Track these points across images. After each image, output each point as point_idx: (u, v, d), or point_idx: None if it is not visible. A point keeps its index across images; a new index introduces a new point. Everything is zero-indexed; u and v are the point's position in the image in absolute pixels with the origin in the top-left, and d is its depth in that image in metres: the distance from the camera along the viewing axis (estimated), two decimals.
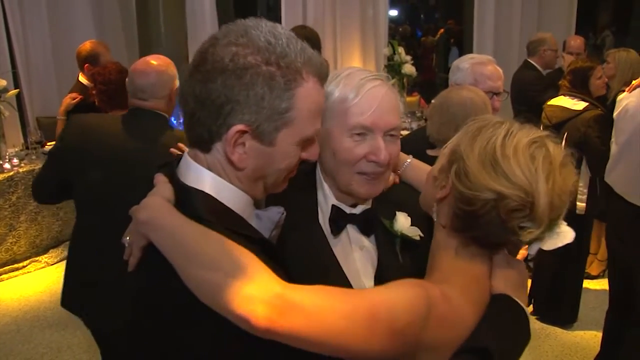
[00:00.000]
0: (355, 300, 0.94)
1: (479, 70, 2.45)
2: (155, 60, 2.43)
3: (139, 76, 2.38)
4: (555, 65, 4.99)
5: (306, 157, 1.08)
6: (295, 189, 1.32)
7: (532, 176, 0.98)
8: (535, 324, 3.91)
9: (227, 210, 1.02)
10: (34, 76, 5.42)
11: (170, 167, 1.09)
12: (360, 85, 1.25)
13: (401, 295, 0.98)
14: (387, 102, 1.26)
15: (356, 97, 1.24)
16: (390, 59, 6.07)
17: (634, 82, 3.09)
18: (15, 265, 4.64)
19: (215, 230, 0.95)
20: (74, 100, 3.78)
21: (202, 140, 1.01)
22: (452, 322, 1.02)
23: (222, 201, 1.02)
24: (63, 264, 2.58)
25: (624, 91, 3.28)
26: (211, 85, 0.95)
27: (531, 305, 3.98)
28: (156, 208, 0.98)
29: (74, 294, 2.41)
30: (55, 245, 4.91)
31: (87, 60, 3.98)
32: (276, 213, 1.15)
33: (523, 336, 1.09)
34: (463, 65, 2.51)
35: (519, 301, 1.08)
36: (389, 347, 0.94)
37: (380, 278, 1.30)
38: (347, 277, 1.30)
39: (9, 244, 4.56)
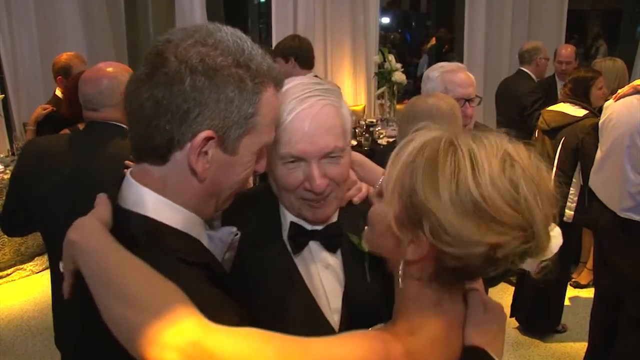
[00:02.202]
0: (294, 352, 0.80)
1: (448, 78, 2.43)
2: (108, 67, 2.18)
3: (85, 84, 2.14)
4: (546, 74, 5.02)
5: (255, 170, 1.02)
6: (259, 205, 1.28)
7: (524, 208, 0.84)
8: (524, 334, 3.90)
9: (170, 232, 0.94)
10: (21, 82, 5.37)
11: (114, 187, 1.01)
12: (290, 109, 1.14)
13: (351, 350, 0.84)
14: (320, 124, 1.14)
15: (283, 123, 1.14)
16: (380, 66, 6.07)
17: (619, 90, 3.11)
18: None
19: (152, 255, 0.87)
20: (45, 111, 3.73)
21: (159, 151, 0.92)
22: None
23: (166, 222, 0.94)
24: (48, 272, 2.51)
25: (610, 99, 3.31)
26: (178, 87, 0.88)
27: (513, 317, 3.97)
28: (86, 229, 0.90)
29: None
30: (40, 253, 4.83)
31: (60, 73, 3.97)
32: (228, 234, 1.07)
33: None
34: (433, 74, 2.50)
35: (494, 356, 0.93)
36: None
37: (349, 300, 1.23)
38: (314, 299, 1.23)
39: None
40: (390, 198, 0.89)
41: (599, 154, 3.21)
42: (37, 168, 2.13)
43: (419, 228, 0.86)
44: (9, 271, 4.62)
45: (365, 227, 1.02)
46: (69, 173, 2.07)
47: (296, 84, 1.18)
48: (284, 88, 1.16)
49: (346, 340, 0.88)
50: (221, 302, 0.92)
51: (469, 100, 2.39)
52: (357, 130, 5.42)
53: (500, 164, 0.84)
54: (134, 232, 0.92)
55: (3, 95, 4.94)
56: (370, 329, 1.02)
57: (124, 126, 2.14)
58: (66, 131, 2.55)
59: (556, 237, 0.92)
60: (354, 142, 5.07)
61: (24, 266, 4.72)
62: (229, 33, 0.94)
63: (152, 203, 0.94)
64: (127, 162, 1.85)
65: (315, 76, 4.08)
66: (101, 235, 0.89)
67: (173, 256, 0.91)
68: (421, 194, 0.84)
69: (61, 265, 0.93)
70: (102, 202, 0.97)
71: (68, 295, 0.93)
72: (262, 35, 12.54)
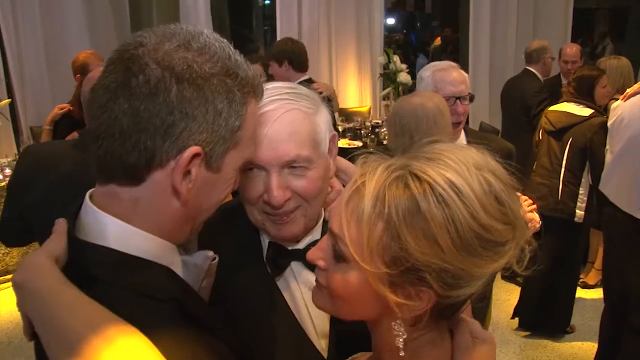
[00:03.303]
0: None
1: (438, 77, 2.42)
2: None
3: (89, 85, 2.00)
4: (551, 73, 4.99)
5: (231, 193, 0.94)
6: (236, 222, 1.17)
7: (512, 217, 0.78)
8: (532, 335, 3.87)
9: (135, 264, 0.83)
10: (27, 85, 5.39)
11: (69, 214, 0.88)
12: None
13: None
14: (282, 130, 1.03)
15: None
16: (385, 67, 6.06)
17: (628, 90, 3.08)
18: (7, 277, 4.57)
19: (112, 294, 0.77)
20: (62, 111, 3.74)
21: (134, 171, 0.80)
22: None
23: (131, 253, 0.83)
24: None
25: (617, 99, 3.27)
26: (161, 98, 0.77)
27: (517, 318, 3.95)
28: (33, 268, 0.79)
29: None
30: None
31: (78, 71, 4.00)
32: (204, 259, 0.95)
33: None
34: (425, 73, 2.50)
35: None
36: None
37: (337, 322, 1.13)
38: (299, 324, 1.14)
39: (0, 254, 4.51)
40: (369, 263, 0.76)
41: (609, 157, 3.16)
42: (33, 177, 2.06)
43: (420, 283, 0.76)
44: None
45: (323, 299, 0.88)
46: (67, 182, 1.93)
47: (268, 87, 1.07)
48: None
49: None
50: (194, 342, 0.82)
51: (459, 98, 2.38)
52: (362, 132, 5.41)
53: (478, 183, 0.76)
54: (92, 267, 0.81)
55: (10, 100, 4.96)
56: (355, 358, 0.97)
57: None
58: (75, 134, 2.50)
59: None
60: (359, 144, 5.06)
61: None
62: (212, 37, 0.85)
63: (114, 232, 0.82)
64: None
65: (309, 79, 4.07)
66: (49, 275, 0.78)
67: (139, 293, 0.80)
68: (416, 252, 0.73)
69: (19, 306, 0.81)
70: (57, 230, 0.86)
71: (30, 338, 0.81)
72: (267, 37, 12.55)
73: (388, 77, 6.03)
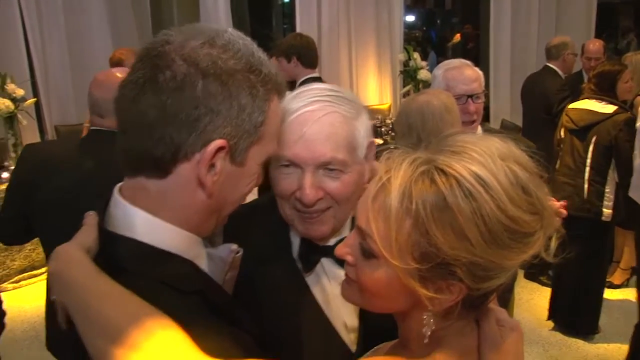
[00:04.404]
0: None
1: (450, 75, 2.39)
2: (120, 73, 2.06)
3: (97, 88, 2.06)
4: (573, 69, 4.91)
5: (255, 187, 0.96)
6: (265, 218, 1.20)
7: (539, 206, 0.78)
8: (556, 335, 3.82)
9: (162, 257, 0.86)
10: (52, 85, 5.48)
11: (100, 207, 0.91)
12: (294, 110, 1.07)
13: None
14: (321, 130, 1.05)
15: (284, 123, 1.05)
16: (405, 64, 6.03)
17: None
18: (34, 272, 4.67)
19: (141, 283, 0.80)
20: None
21: (161, 164, 0.83)
22: None
23: (158, 246, 0.86)
24: None
25: None
26: (187, 93, 0.80)
27: (551, 320, 3.90)
28: (66, 257, 0.82)
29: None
30: None
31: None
32: (228, 252, 0.97)
33: None
34: (437, 72, 2.47)
35: None
36: None
37: (366, 317, 1.16)
38: (328, 319, 1.16)
39: (27, 250, 4.60)
40: (398, 259, 0.76)
41: (638, 162, 3.07)
42: (37, 176, 2.04)
43: (450, 277, 0.76)
44: (42, 270, 4.72)
45: (353, 293, 0.88)
46: (72, 182, 1.98)
47: (311, 88, 1.11)
48: (298, 90, 1.12)
49: None
50: (218, 332, 0.83)
51: (471, 96, 2.33)
52: (382, 129, 5.40)
53: (504, 174, 0.76)
54: (121, 258, 0.84)
55: (35, 99, 5.05)
56: (379, 348, 0.97)
57: None
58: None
59: None
60: (380, 141, 5.05)
61: None
62: (235, 35, 0.87)
63: (141, 224, 0.86)
64: None
65: (319, 77, 3.94)
66: (82, 264, 0.81)
67: (165, 284, 0.83)
68: (445, 247, 0.74)
69: (52, 295, 0.85)
70: (88, 222, 0.89)
71: (65, 326, 0.83)
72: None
73: (408, 75, 6.00)
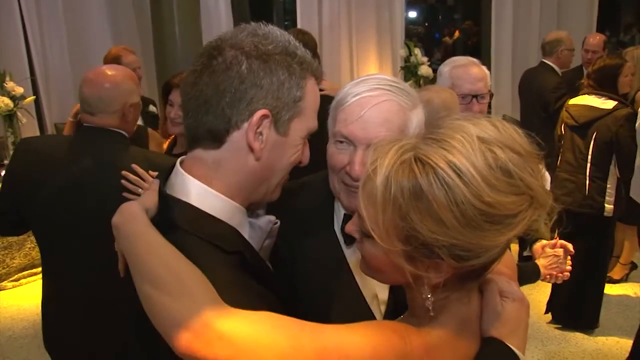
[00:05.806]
0: (304, 338, 0.81)
1: (455, 74, 2.34)
2: (111, 71, 2.08)
3: (87, 85, 2.06)
4: (571, 65, 4.87)
5: (301, 160, 1.09)
6: (312, 194, 1.33)
7: (523, 187, 0.80)
8: (554, 330, 3.83)
9: (210, 220, 1.00)
10: (51, 83, 5.51)
11: (163, 175, 1.08)
12: (355, 93, 1.18)
13: (365, 341, 0.82)
14: (378, 114, 1.15)
15: (345, 104, 1.19)
16: (406, 60, 6.02)
17: None
18: (34, 270, 4.68)
19: (189, 240, 0.94)
20: None
21: (216, 134, 0.99)
22: None
23: (208, 211, 1.00)
24: None
25: None
26: (235, 70, 0.96)
27: (549, 312, 3.89)
28: (128, 213, 0.98)
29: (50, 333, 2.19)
30: None
31: None
32: (267, 222, 1.12)
33: None
34: (443, 69, 2.43)
35: (512, 347, 0.90)
36: None
37: (396, 292, 1.24)
38: (359, 289, 1.25)
39: (27, 248, 4.61)
40: (386, 242, 0.82)
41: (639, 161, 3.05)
42: (30, 170, 2.06)
43: (434, 257, 0.81)
44: (41, 269, 4.76)
45: (364, 267, 0.96)
46: (66, 179, 2.00)
47: (374, 76, 1.23)
48: (363, 77, 1.23)
49: (362, 330, 0.85)
50: (249, 288, 0.96)
51: (476, 96, 2.29)
52: None
53: (483, 158, 0.78)
54: (176, 218, 0.98)
55: (34, 97, 5.06)
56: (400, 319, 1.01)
57: (120, 132, 2.08)
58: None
59: (546, 180, 0.88)
60: None
61: None
62: (274, 28, 1.03)
63: (196, 192, 1.00)
64: (124, 172, 1.87)
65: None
66: (139, 220, 0.96)
67: (210, 243, 0.96)
68: (424, 230, 0.78)
69: (116, 244, 1.02)
70: (151, 188, 1.06)
71: (122, 274, 1.01)
72: None
73: (409, 70, 6.00)
